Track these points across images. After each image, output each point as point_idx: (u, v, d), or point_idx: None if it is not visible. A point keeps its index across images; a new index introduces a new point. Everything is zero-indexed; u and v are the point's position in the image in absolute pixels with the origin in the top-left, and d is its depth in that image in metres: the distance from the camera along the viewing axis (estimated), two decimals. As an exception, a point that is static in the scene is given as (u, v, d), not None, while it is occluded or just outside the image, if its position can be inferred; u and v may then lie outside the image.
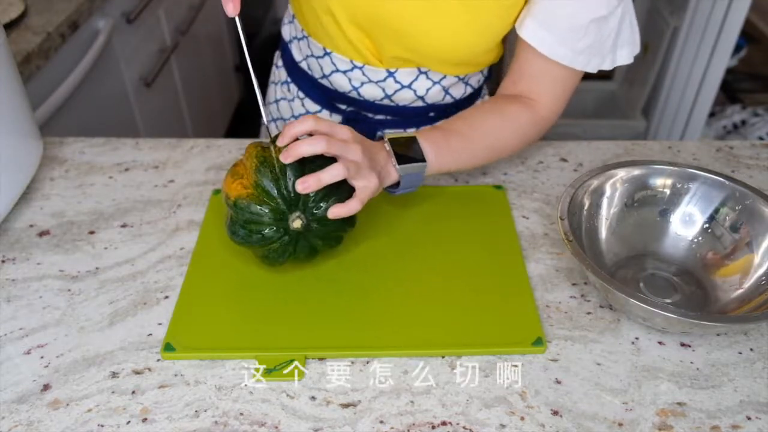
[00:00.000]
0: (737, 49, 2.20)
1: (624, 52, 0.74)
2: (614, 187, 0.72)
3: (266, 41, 3.03)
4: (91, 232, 0.76)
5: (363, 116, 0.88)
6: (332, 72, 0.84)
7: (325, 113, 0.90)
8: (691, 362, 0.61)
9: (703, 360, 0.61)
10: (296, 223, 0.63)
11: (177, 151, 0.90)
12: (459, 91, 0.87)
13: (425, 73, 0.82)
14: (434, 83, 0.83)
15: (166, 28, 1.68)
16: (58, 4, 1.18)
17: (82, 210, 0.79)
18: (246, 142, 0.91)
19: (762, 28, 2.53)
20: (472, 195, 0.81)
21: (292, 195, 0.62)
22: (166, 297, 0.68)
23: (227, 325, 0.64)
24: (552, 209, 0.79)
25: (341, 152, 0.63)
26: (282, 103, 0.95)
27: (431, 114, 0.89)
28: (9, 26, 1.08)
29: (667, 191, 0.73)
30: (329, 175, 0.61)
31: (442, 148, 0.73)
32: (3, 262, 0.72)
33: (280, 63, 0.96)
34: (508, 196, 0.81)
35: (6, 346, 0.63)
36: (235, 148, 0.90)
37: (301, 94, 0.91)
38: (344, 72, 0.83)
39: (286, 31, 0.92)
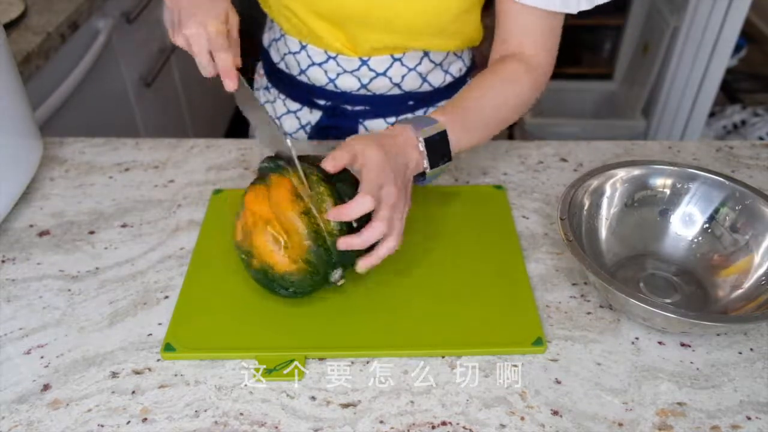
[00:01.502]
0: (737, 49, 2.20)
1: None
2: (614, 187, 0.72)
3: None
4: (91, 232, 0.76)
5: (342, 109, 0.89)
6: (309, 66, 0.85)
7: (305, 110, 0.91)
8: (691, 362, 0.61)
9: (703, 360, 0.61)
10: (336, 276, 0.63)
11: (177, 151, 0.90)
12: (438, 79, 0.87)
13: (399, 59, 0.82)
14: (410, 69, 0.84)
15: (166, 28, 1.68)
16: (58, 4, 1.18)
17: (82, 210, 0.79)
18: (246, 142, 0.91)
19: (762, 28, 2.53)
20: (472, 195, 0.81)
21: (338, 258, 0.62)
22: (166, 297, 0.68)
23: (227, 325, 0.64)
24: (552, 209, 0.79)
25: (386, 212, 0.60)
26: (266, 106, 0.96)
27: (410, 102, 0.89)
28: (9, 26, 1.08)
29: (667, 191, 0.73)
30: (374, 235, 0.59)
31: (463, 131, 0.71)
32: (3, 262, 0.72)
33: (261, 71, 0.97)
34: (508, 196, 0.81)
35: (6, 346, 0.63)
36: (235, 148, 0.90)
37: (282, 95, 0.92)
38: (320, 64, 0.84)
39: (266, 38, 0.94)
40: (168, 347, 0.62)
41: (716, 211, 0.71)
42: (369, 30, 0.78)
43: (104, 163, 0.87)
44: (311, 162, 0.63)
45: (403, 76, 0.84)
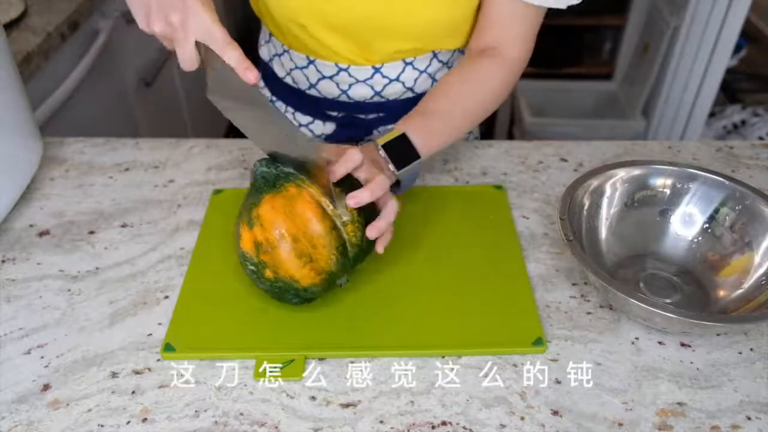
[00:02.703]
0: (737, 49, 2.19)
1: None
2: (614, 187, 0.72)
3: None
4: (91, 232, 0.76)
5: (355, 118, 0.88)
6: (319, 80, 0.84)
7: (318, 123, 0.90)
8: (691, 362, 0.61)
9: (703, 360, 0.61)
10: (343, 280, 0.63)
11: (177, 151, 0.90)
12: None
13: (411, 63, 0.82)
14: (420, 72, 0.84)
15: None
16: (58, 4, 1.18)
17: (82, 210, 0.79)
18: (246, 143, 0.91)
19: (762, 28, 2.53)
20: (472, 195, 0.81)
21: (354, 264, 0.63)
22: (166, 297, 0.68)
23: (227, 325, 0.64)
24: (552, 209, 0.79)
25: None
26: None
27: None
28: (9, 26, 1.08)
29: (667, 191, 0.73)
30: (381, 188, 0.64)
31: (429, 133, 0.72)
32: (3, 262, 0.72)
33: (261, 84, 0.94)
34: (508, 196, 0.81)
35: (6, 346, 0.63)
36: (235, 148, 0.90)
37: (291, 109, 0.91)
38: (330, 77, 0.83)
39: (265, 52, 0.91)
40: (168, 347, 0.62)
41: (716, 211, 0.71)
42: (385, 38, 0.78)
43: (104, 163, 0.87)
44: (308, 169, 0.62)
45: (415, 80, 0.84)
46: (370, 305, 0.66)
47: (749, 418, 0.56)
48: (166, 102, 1.73)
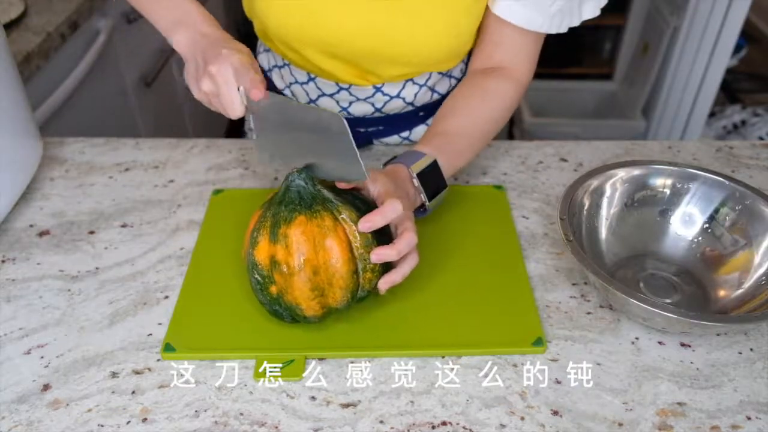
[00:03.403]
0: (737, 49, 2.19)
1: (590, 5, 0.75)
2: (614, 187, 0.72)
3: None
4: (91, 232, 0.76)
5: (355, 131, 0.87)
6: (319, 96, 0.84)
7: None
8: (691, 362, 0.61)
9: (703, 360, 0.61)
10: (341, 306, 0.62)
11: (177, 151, 0.90)
12: (444, 87, 0.88)
13: (411, 79, 0.83)
14: (421, 86, 0.84)
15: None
16: (58, 4, 1.18)
17: (82, 210, 0.79)
18: (246, 143, 0.91)
19: (762, 28, 2.53)
20: (472, 195, 0.81)
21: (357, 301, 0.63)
22: (166, 297, 0.68)
23: (227, 325, 0.64)
24: (552, 209, 0.79)
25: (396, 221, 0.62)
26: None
27: (421, 113, 0.89)
28: (9, 26, 1.08)
29: (667, 191, 0.73)
30: (407, 244, 0.60)
31: (451, 155, 0.73)
32: (3, 262, 0.72)
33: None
34: (508, 196, 0.81)
35: (6, 346, 0.63)
36: (235, 148, 0.90)
37: None
38: (331, 95, 0.83)
39: (263, 60, 0.90)
40: (168, 347, 0.62)
41: (716, 211, 0.71)
42: (384, 65, 0.78)
43: (104, 163, 0.87)
44: (334, 188, 0.61)
45: (415, 94, 0.85)
46: (370, 305, 0.66)
47: (749, 418, 0.56)
48: (166, 102, 1.73)
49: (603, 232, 0.72)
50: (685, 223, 0.72)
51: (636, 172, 0.73)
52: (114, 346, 0.63)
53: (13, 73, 0.77)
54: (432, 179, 0.70)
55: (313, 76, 0.83)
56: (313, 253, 0.57)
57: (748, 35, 2.33)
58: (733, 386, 0.59)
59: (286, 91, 0.88)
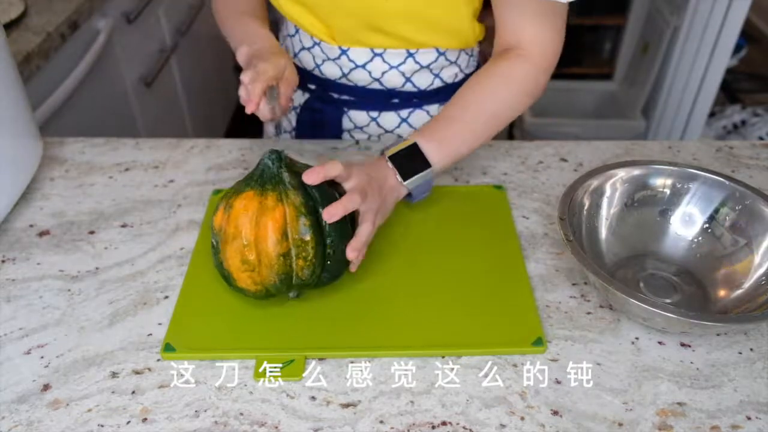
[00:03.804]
0: (737, 49, 2.19)
1: None
2: (614, 187, 0.72)
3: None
4: (91, 232, 0.76)
5: (328, 95, 0.90)
6: (300, 50, 0.88)
7: (298, 92, 0.92)
8: (691, 362, 0.61)
9: (703, 360, 0.61)
10: (292, 294, 0.64)
11: (177, 151, 0.90)
12: (424, 81, 0.87)
13: (380, 55, 0.83)
14: (391, 67, 0.84)
15: (166, 28, 1.68)
16: (58, 4, 1.18)
17: (82, 210, 0.79)
18: (246, 143, 0.91)
19: (762, 28, 2.53)
20: (472, 195, 0.81)
21: (297, 288, 0.63)
22: (166, 297, 0.68)
23: (227, 325, 0.64)
24: (552, 209, 0.79)
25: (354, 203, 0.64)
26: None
27: (395, 100, 0.89)
28: (9, 26, 1.08)
29: (667, 191, 0.73)
30: (352, 203, 0.63)
31: (443, 143, 0.73)
32: (3, 262, 0.72)
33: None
34: (508, 196, 0.81)
35: (6, 346, 0.63)
36: (235, 148, 0.90)
37: None
38: (308, 49, 0.87)
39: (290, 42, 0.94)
40: (168, 347, 0.62)
41: (716, 211, 0.71)
42: (339, 15, 0.79)
43: (104, 163, 0.87)
44: (298, 175, 0.62)
45: (383, 72, 0.85)
46: (370, 305, 0.66)
47: (749, 418, 0.56)
48: (166, 102, 1.73)
49: (603, 232, 0.72)
50: (685, 223, 0.72)
51: (636, 172, 0.73)
52: (114, 346, 0.63)
53: (14, 74, 0.77)
54: (408, 161, 0.71)
55: (297, 28, 0.86)
56: (248, 227, 0.59)
57: (748, 35, 2.33)
58: (733, 386, 0.59)
59: (283, 46, 0.89)
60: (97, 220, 0.78)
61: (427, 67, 0.85)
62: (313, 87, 0.91)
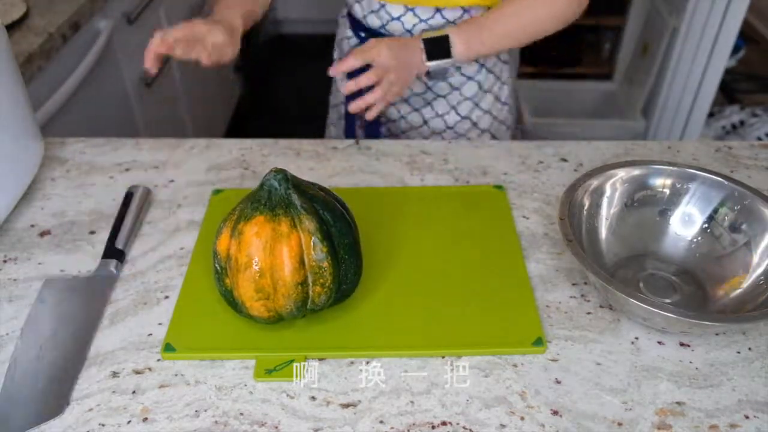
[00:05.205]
0: (736, 49, 2.19)
1: None
2: (614, 187, 0.72)
3: (266, 42, 3.03)
4: (92, 232, 0.76)
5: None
6: (354, 2, 1.02)
7: (353, 38, 1.06)
8: (691, 362, 0.61)
9: (702, 360, 0.62)
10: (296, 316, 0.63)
11: (177, 151, 0.90)
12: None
13: (412, 10, 0.95)
14: (420, 20, 0.96)
15: (166, 28, 1.68)
16: (59, 4, 1.18)
17: (83, 210, 0.80)
18: (246, 142, 0.91)
19: (760, 29, 2.53)
20: (472, 195, 0.81)
21: (308, 313, 0.62)
22: (166, 297, 0.68)
23: (227, 325, 0.65)
24: (552, 209, 0.80)
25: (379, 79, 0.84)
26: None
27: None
28: (11, 27, 1.08)
29: (667, 191, 0.73)
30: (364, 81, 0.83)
31: (471, 43, 0.89)
32: (4, 261, 0.72)
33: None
34: (508, 196, 0.81)
35: (7, 346, 0.63)
36: (235, 148, 0.90)
37: (349, 33, 1.07)
38: (359, 2, 1.00)
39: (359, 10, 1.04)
40: (168, 347, 0.62)
41: (715, 211, 0.71)
42: None
43: (105, 163, 0.87)
44: (310, 196, 0.60)
45: (414, 25, 0.96)
46: (370, 305, 0.66)
47: (747, 417, 0.56)
48: (166, 102, 1.73)
49: (603, 232, 0.72)
50: (685, 223, 0.72)
51: (636, 172, 0.73)
52: (114, 346, 0.63)
53: (15, 74, 0.77)
54: (436, 48, 0.88)
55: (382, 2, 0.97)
56: (262, 254, 0.57)
57: (746, 36, 2.33)
58: (731, 385, 0.59)
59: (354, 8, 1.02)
60: (98, 220, 0.78)
61: (453, 23, 0.95)
62: (363, 35, 1.03)
